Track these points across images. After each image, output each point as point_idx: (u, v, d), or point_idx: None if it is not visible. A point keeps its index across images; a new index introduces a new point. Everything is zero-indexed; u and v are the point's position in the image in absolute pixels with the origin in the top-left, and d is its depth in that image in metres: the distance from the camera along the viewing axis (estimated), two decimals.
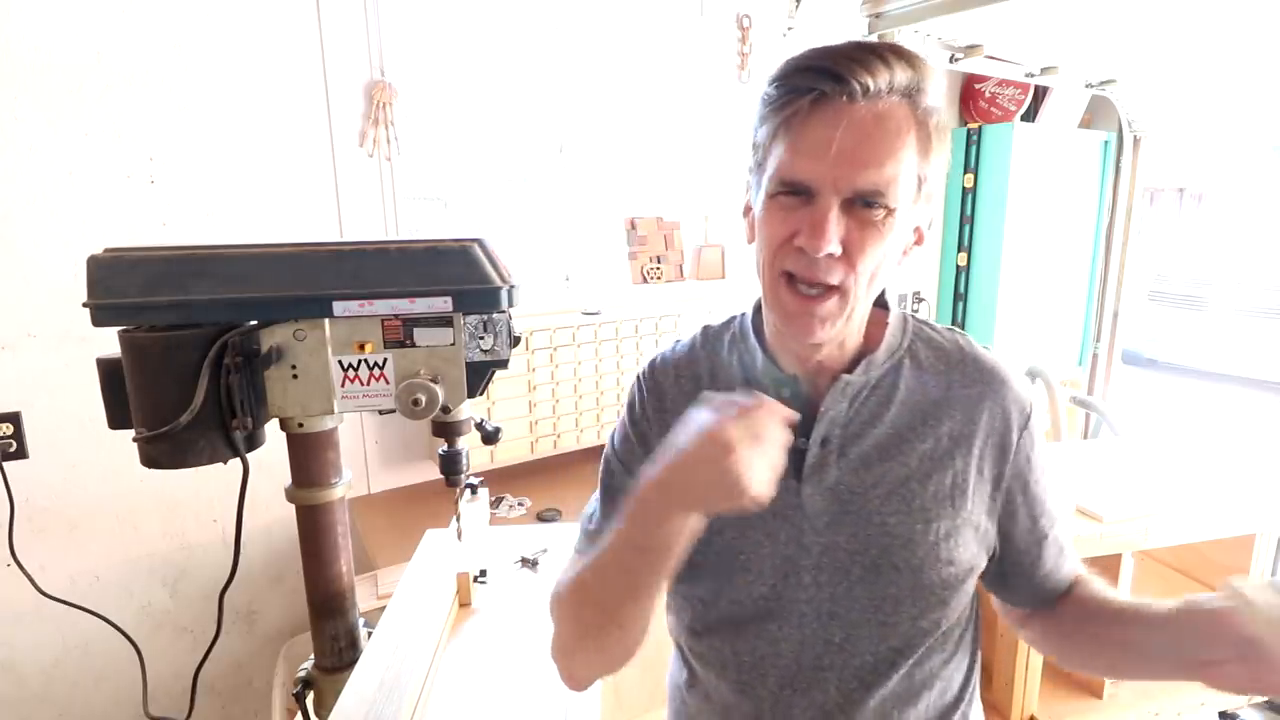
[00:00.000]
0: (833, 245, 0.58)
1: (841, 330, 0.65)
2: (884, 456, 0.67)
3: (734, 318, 0.79)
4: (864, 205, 0.59)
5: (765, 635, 0.69)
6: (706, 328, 0.80)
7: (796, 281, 0.62)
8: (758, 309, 0.75)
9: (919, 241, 0.69)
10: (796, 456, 0.67)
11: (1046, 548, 0.73)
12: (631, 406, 0.78)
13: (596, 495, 0.80)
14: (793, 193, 0.60)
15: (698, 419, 0.56)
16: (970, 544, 0.68)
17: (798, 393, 0.70)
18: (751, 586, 0.69)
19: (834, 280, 0.60)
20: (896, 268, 0.65)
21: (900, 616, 0.67)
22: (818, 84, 0.58)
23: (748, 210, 0.69)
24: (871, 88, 0.57)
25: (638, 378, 0.79)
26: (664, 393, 0.76)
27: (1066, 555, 0.76)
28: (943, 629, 0.69)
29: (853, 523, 0.67)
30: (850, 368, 0.69)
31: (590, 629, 0.68)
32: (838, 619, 0.67)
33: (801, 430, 0.66)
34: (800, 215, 0.60)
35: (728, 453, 0.53)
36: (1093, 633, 0.72)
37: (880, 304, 0.73)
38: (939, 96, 0.61)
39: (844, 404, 0.68)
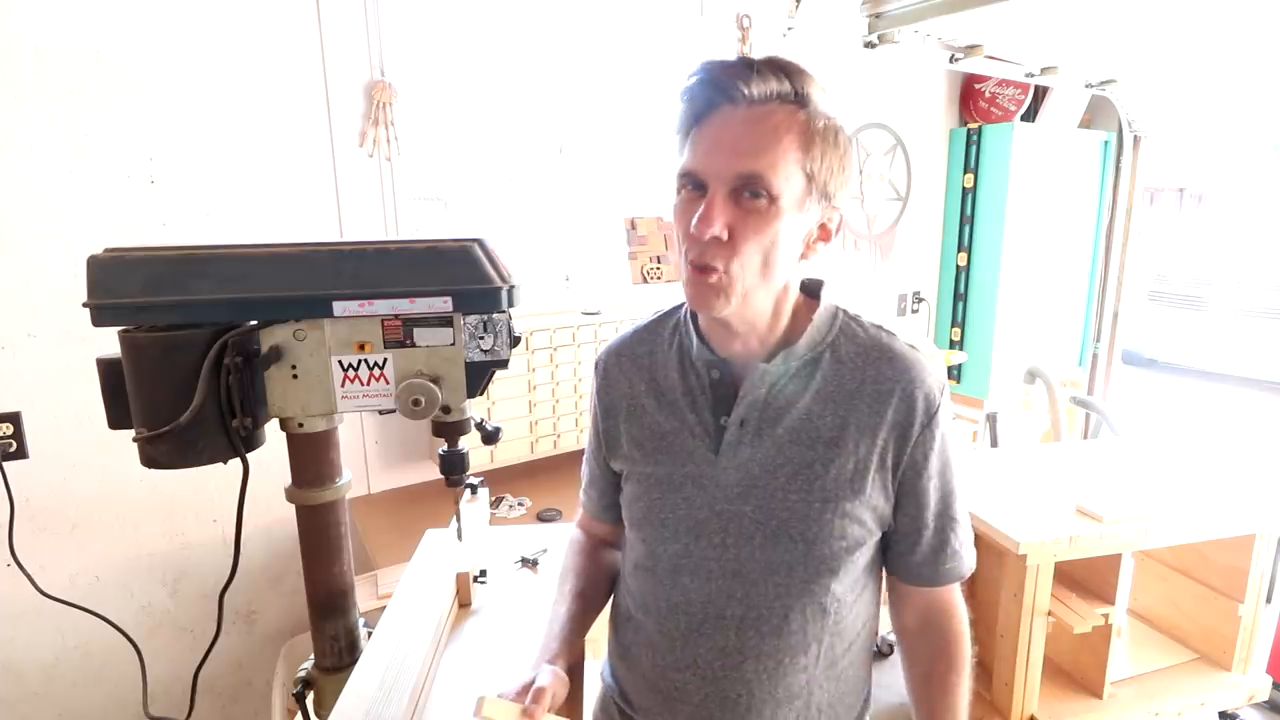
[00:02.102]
0: (715, 229, 0.66)
1: (740, 310, 0.72)
2: (794, 440, 0.75)
3: (681, 304, 0.87)
4: (750, 195, 0.66)
5: (679, 586, 0.80)
6: (657, 313, 0.90)
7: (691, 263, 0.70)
8: None
9: (825, 239, 0.74)
10: (717, 433, 0.77)
11: (925, 539, 0.80)
12: (593, 390, 0.92)
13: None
14: (693, 188, 0.69)
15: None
16: (866, 523, 0.76)
17: (726, 374, 0.78)
18: (669, 544, 0.80)
19: (718, 264, 0.68)
20: (800, 261, 0.73)
21: (793, 580, 0.76)
22: (709, 94, 0.68)
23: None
24: (753, 95, 0.66)
25: (598, 358, 0.92)
26: (610, 374, 0.88)
27: (949, 555, 0.81)
28: (833, 593, 0.77)
29: (759, 496, 0.75)
30: (772, 357, 0.76)
31: None
32: (740, 577, 0.77)
33: (724, 410, 0.77)
34: (695, 205, 0.68)
35: None
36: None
37: (815, 295, 0.80)
38: (829, 104, 0.69)
39: (762, 390, 0.76)
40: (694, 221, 0.67)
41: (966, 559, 0.83)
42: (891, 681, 2.38)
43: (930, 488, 0.78)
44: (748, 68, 0.66)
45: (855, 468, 0.74)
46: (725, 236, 0.67)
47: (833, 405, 0.75)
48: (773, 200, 0.66)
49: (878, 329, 0.79)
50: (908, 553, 0.81)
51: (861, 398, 0.75)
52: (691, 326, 0.82)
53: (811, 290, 0.82)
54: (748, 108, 0.66)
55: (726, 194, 0.67)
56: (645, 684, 0.86)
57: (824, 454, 0.74)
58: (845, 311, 0.81)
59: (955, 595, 0.85)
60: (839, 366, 0.76)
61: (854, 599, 0.81)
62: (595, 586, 0.93)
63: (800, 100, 0.67)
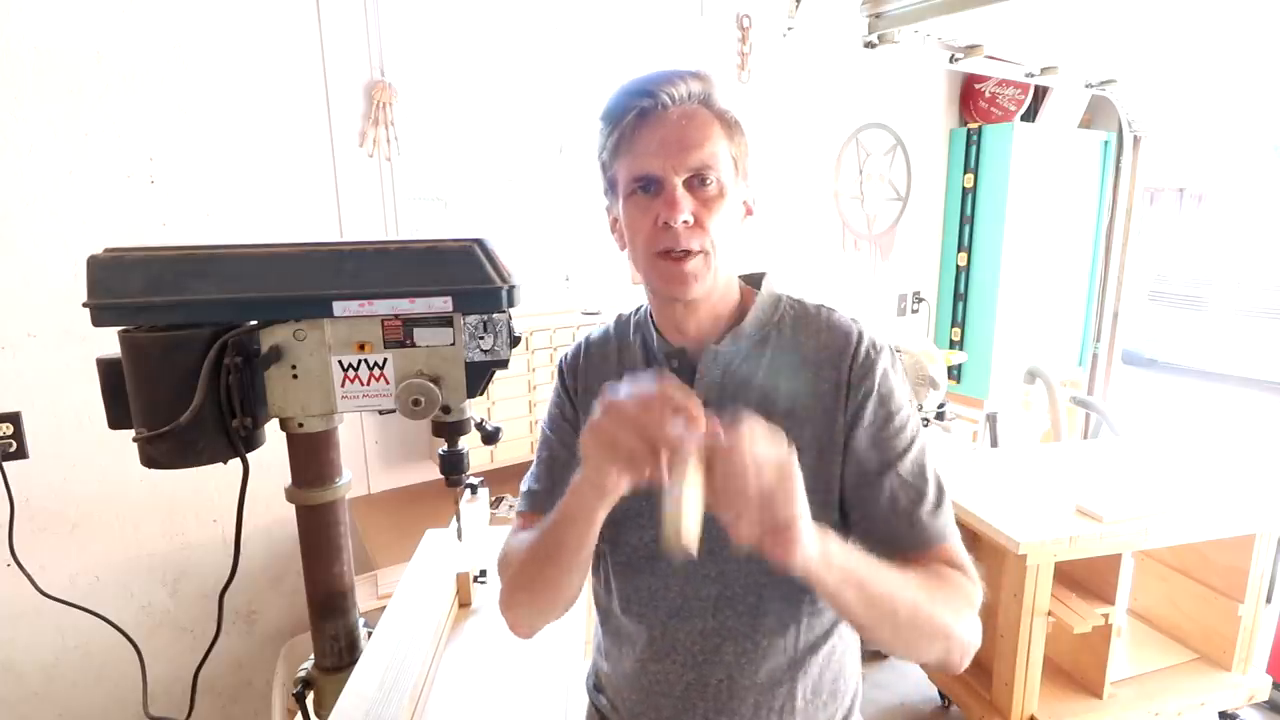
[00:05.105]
0: (685, 214, 0.73)
1: (712, 287, 0.77)
2: (753, 415, 0.74)
3: (641, 305, 0.91)
4: (700, 184, 0.74)
5: (656, 573, 0.81)
6: (619, 315, 0.93)
7: (669, 254, 0.75)
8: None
9: (749, 213, 0.83)
10: None
11: (879, 496, 0.75)
12: (557, 386, 0.92)
13: (533, 465, 0.92)
14: (644, 189, 0.75)
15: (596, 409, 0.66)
16: (828, 482, 0.78)
17: (685, 363, 0.82)
18: (642, 531, 0.81)
19: (694, 246, 0.74)
20: (738, 236, 0.80)
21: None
22: (637, 103, 0.75)
23: (615, 224, 0.84)
24: (676, 97, 0.74)
25: (560, 361, 0.93)
26: (579, 369, 0.90)
27: (908, 519, 0.75)
28: None
29: None
30: (721, 339, 0.81)
31: (527, 583, 0.80)
32: (714, 555, 0.77)
33: None
34: (656, 203, 0.74)
35: (594, 444, 0.65)
36: None
37: (756, 285, 0.85)
38: (726, 100, 0.78)
39: (717, 372, 0.80)
40: (662, 213, 0.73)
41: (933, 522, 0.75)
42: (891, 681, 2.39)
43: (867, 436, 0.76)
44: (670, 75, 0.75)
45: (813, 433, 0.77)
46: (693, 220, 0.73)
47: (785, 378, 0.79)
48: (719, 184, 0.75)
49: (819, 306, 0.84)
50: (869, 515, 0.76)
51: (808, 366, 0.79)
52: (650, 321, 0.85)
53: (754, 283, 0.87)
54: (676, 109, 0.74)
55: (682, 185, 0.74)
56: (627, 683, 0.86)
57: (783, 425, 0.72)
58: (789, 296, 0.86)
59: (951, 556, 0.76)
60: (783, 341, 0.81)
61: None
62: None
63: (709, 99, 0.76)
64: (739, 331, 0.81)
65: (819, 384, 0.78)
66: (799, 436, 0.75)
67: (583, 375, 0.89)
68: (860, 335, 0.80)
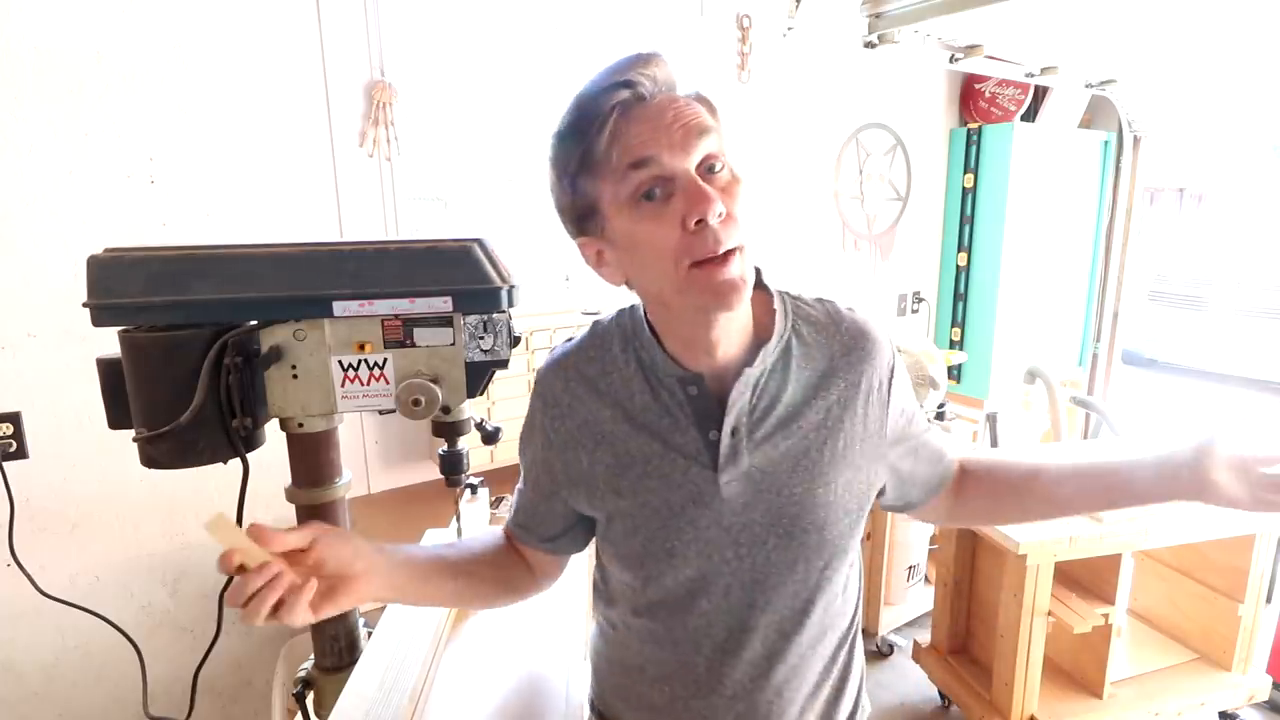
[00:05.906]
0: (719, 204, 0.61)
1: (748, 292, 0.67)
2: (786, 434, 0.73)
3: (622, 312, 0.81)
4: (709, 171, 0.63)
5: (697, 610, 0.76)
6: (596, 324, 0.82)
7: (710, 260, 0.63)
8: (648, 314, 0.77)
9: None
10: (711, 449, 0.72)
11: (929, 457, 0.86)
12: (531, 418, 0.84)
13: (519, 486, 0.89)
14: (647, 195, 0.63)
15: None
16: (864, 491, 0.78)
17: (704, 390, 0.73)
18: (680, 571, 0.75)
19: (734, 242, 0.63)
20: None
21: (810, 569, 0.75)
22: (614, 98, 0.62)
23: (600, 256, 0.72)
24: (654, 83, 0.63)
25: (537, 384, 0.84)
26: (562, 402, 0.79)
27: (942, 452, 0.87)
28: (841, 573, 0.79)
29: (765, 499, 0.73)
30: (745, 358, 0.72)
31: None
32: (759, 584, 0.75)
33: (710, 424, 0.72)
34: (673, 206, 0.62)
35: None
36: (1011, 497, 0.86)
37: (761, 287, 0.76)
38: (694, 82, 0.68)
39: (746, 394, 0.72)
40: (693, 210, 0.61)
41: (947, 450, 0.89)
42: (891, 681, 2.39)
43: (910, 415, 0.83)
44: (637, 63, 0.63)
45: (846, 441, 0.75)
46: (725, 210, 0.62)
47: (812, 389, 0.75)
48: (730, 170, 0.65)
49: (820, 302, 0.80)
50: (926, 478, 0.86)
51: (835, 373, 0.76)
52: (654, 340, 0.75)
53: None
54: (660, 96, 0.64)
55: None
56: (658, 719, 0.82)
57: (815, 438, 0.74)
58: (789, 294, 0.79)
59: (957, 459, 0.90)
60: (806, 349, 0.76)
61: (851, 576, 0.83)
62: (477, 573, 0.83)
63: (679, 82, 0.66)
64: (767, 349, 0.72)
65: (848, 390, 0.76)
66: (832, 447, 0.74)
67: (575, 406, 0.78)
68: (877, 337, 0.79)
